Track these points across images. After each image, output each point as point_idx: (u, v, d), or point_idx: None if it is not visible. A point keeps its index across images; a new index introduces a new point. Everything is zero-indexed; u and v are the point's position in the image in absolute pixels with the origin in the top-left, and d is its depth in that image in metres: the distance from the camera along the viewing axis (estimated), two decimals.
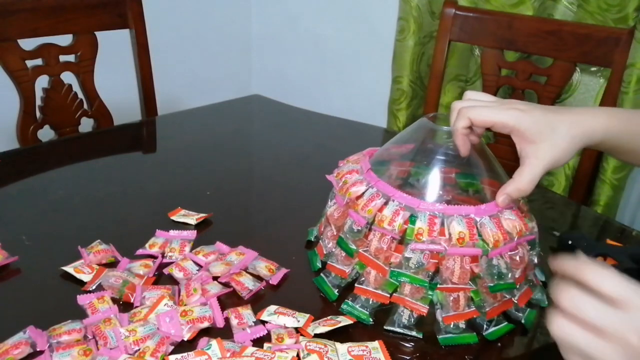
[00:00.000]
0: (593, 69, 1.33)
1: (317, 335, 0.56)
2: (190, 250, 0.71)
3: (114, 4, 1.24)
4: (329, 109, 1.30)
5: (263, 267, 0.67)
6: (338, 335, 0.57)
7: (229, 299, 0.63)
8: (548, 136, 0.56)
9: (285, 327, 0.58)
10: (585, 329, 0.39)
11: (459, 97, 1.56)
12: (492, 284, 0.58)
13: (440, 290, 0.58)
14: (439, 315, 0.58)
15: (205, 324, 0.57)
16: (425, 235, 0.56)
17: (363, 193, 0.62)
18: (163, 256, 0.70)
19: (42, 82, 1.18)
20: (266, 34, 2.25)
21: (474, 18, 1.25)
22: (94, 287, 0.63)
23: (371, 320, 0.60)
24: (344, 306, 0.61)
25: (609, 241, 0.76)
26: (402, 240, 0.59)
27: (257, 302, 0.63)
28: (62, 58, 1.19)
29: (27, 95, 1.14)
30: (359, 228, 0.61)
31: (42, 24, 1.14)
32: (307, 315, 0.59)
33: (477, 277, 0.58)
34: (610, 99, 1.13)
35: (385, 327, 0.59)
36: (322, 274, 0.66)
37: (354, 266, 0.62)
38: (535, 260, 0.63)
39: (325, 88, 2.12)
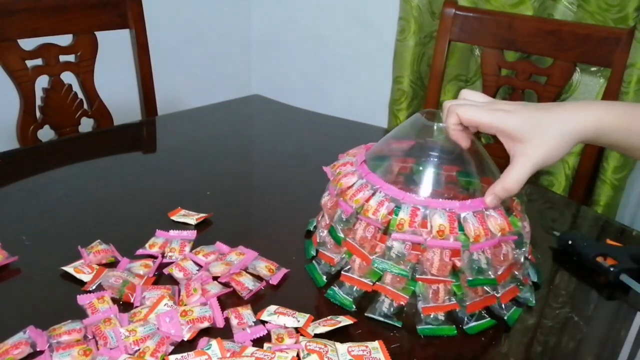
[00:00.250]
0: (593, 69, 1.33)
1: (317, 335, 0.57)
2: (190, 250, 0.71)
3: (114, 4, 1.24)
4: (329, 109, 1.30)
5: (263, 267, 0.67)
6: (338, 335, 0.57)
7: (229, 299, 0.63)
8: (536, 135, 0.55)
9: (285, 327, 0.58)
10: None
11: None
12: (471, 278, 0.59)
13: (420, 282, 0.59)
14: (420, 305, 0.60)
15: (205, 324, 0.57)
16: (406, 226, 0.58)
17: (353, 184, 0.64)
18: (163, 256, 0.70)
19: (42, 82, 1.18)
20: (266, 34, 2.25)
21: (474, 18, 1.25)
22: (94, 287, 0.63)
23: (354, 307, 0.61)
24: (329, 292, 0.63)
25: (609, 241, 0.76)
26: (386, 231, 0.60)
27: (257, 302, 0.63)
28: (62, 58, 1.19)
29: (27, 95, 1.14)
30: (347, 217, 0.63)
31: (42, 24, 1.14)
32: (307, 315, 0.59)
33: (459, 271, 0.59)
34: (610, 99, 1.13)
35: (366, 314, 0.61)
36: (313, 261, 0.68)
37: (343, 255, 0.64)
38: (522, 259, 0.64)
39: (325, 88, 2.12)
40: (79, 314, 0.59)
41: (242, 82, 2.33)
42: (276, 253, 0.70)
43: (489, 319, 0.61)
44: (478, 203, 0.59)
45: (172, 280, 0.66)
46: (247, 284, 0.64)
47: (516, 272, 0.64)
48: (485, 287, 0.61)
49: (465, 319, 0.60)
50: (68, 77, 1.21)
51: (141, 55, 1.29)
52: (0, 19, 1.09)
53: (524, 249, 0.63)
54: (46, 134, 1.20)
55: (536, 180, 1.40)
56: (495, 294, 0.61)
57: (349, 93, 2.05)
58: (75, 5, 1.18)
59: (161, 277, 0.67)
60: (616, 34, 1.10)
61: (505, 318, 0.62)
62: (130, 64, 1.30)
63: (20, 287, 0.65)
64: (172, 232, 0.74)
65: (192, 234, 0.75)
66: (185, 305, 0.60)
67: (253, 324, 0.58)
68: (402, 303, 0.60)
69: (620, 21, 1.24)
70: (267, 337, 0.57)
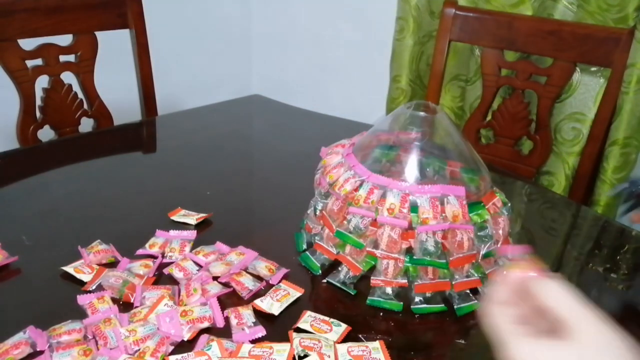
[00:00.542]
0: (593, 69, 1.33)
1: (300, 330, 0.57)
2: (190, 250, 0.71)
3: (114, 4, 1.24)
4: (329, 109, 1.30)
5: (263, 267, 0.67)
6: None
7: (229, 299, 0.63)
8: None
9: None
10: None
11: (459, 97, 1.56)
12: (416, 257, 0.61)
13: (370, 254, 0.63)
14: (372, 278, 0.64)
15: (205, 324, 0.57)
16: (361, 202, 0.63)
17: (333, 163, 0.70)
18: (163, 256, 0.70)
19: (42, 82, 1.18)
20: (266, 34, 2.25)
21: (474, 18, 1.25)
22: (94, 287, 0.63)
23: (319, 272, 0.68)
24: (302, 256, 0.70)
25: None
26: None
27: None
28: (62, 58, 1.19)
29: (27, 95, 1.14)
30: (325, 192, 0.69)
31: (42, 24, 1.14)
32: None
33: (412, 252, 0.62)
34: (610, 99, 1.13)
35: (327, 279, 0.67)
36: (307, 252, 0.72)
37: (320, 226, 0.70)
38: (483, 252, 0.63)
39: (325, 88, 2.12)
40: (79, 314, 0.59)
41: (242, 82, 2.33)
42: (276, 253, 0.70)
43: (442, 305, 0.63)
44: (438, 189, 0.62)
45: (172, 280, 0.66)
46: (247, 284, 0.64)
47: (483, 265, 0.64)
48: (439, 273, 0.63)
49: (417, 299, 0.63)
50: (68, 77, 1.21)
51: (141, 55, 1.29)
52: (0, 19, 1.09)
53: (488, 242, 0.63)
54: (46, 134, 1.20)
55: (536, 180, 1.40)
56: (451, 281, 0.63)
57: (349, 93, 2.05)
58: (75, 5, 1.18)
59: (161, 277, 0.67)
60: (616, 34, 1.10)
61: (455, 307, 0.63)
62: (130, 64, 1.30)
63: (20, 287, 0.65)
64: (172, 232, 0.74)
65: (192, 234, 0.75)
66: (185, 305, 0.60)
67: (252, 324, 0.58)
68: (356, 274, 0.64)
69: (620, 21, 1.24)
70: (267, 337, 0.57)
